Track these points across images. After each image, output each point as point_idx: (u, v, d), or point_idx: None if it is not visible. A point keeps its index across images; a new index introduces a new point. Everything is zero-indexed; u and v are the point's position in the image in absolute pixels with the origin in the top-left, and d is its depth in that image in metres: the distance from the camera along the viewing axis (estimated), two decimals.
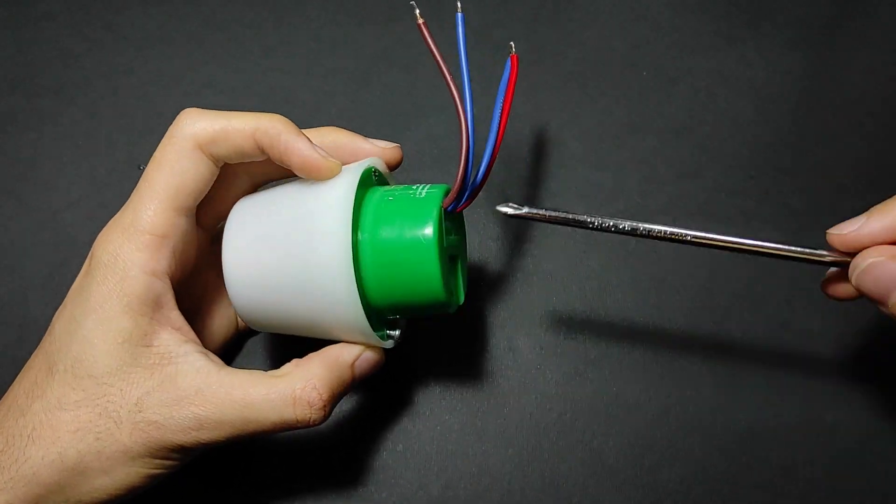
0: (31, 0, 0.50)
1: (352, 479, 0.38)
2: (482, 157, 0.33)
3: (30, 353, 0.33)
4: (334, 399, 0.32)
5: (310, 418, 0.31)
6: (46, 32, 0.49)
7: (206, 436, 0.31)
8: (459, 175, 0.32)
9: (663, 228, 0.32)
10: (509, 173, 0.45)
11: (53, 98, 0.47)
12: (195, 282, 0.36)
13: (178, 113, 0.46)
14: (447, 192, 0.33)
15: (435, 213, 0.32)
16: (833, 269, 0.34)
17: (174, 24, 0.49)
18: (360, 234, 0.32)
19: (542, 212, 0.33)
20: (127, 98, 0.47)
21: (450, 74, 0.33)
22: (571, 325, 0.41)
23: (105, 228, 0.33)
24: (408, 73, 0.48)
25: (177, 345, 0.32)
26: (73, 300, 0.32)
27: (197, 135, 0.32)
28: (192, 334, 0.33)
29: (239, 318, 0.39)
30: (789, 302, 0.42)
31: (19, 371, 0.33)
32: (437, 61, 0.33)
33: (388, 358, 0.40)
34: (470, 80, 0.33)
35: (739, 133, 0.47)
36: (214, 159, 0.33)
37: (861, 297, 0.33)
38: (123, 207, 0.33)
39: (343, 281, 0.30)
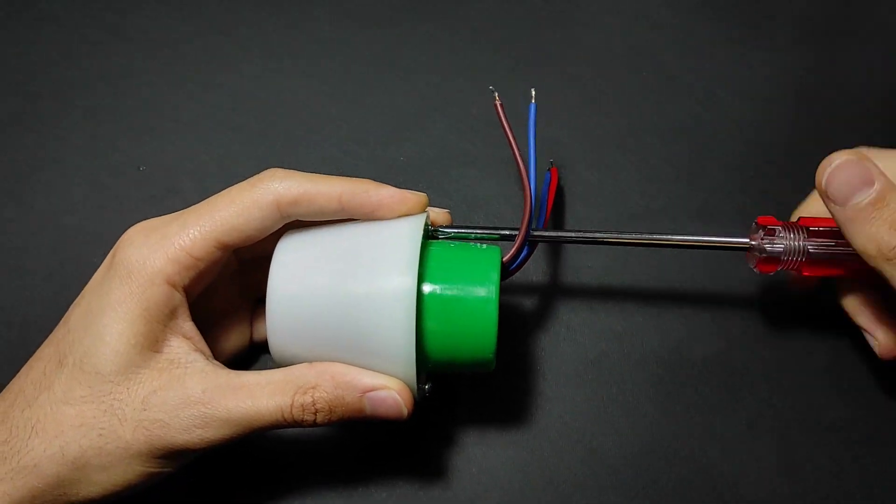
0: (32, 1, 0.50)
1: (352, 479, 0.38)
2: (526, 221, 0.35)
3: (30, 354, 0.33)
4: (331, 413, 0.32)
5: (302, 419, 0.32)
6: (47, 34, 0.49)
7: (210, 434, 0.31)
8: (521, 235, 0.34)
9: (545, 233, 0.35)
10: (508, 174, 0.45)
11: (54, 100, 0.47)
12: (214, 299, 0.37)
13: (178, 114, 0.46)
14: (502, 253, 0.34)
15: (496, 270, 0.32)
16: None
17: (175, 25, 0.49)
18: (420, 287, 0.32)
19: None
20: (127, 100, 0.47)
21: (519, 153, 0.36)
22: (571, 325, 0.41)
23: (143, 227, 0.33)
24: (409, 75, 0.48)
25: (186, 353, 0.32)
26: (92, 293, 0.32)
27: (280, 194, 0.32)
28: (202, 344, 0.33)
29: (252, 333, 0.39)
30: (789, 302, 0.42)
31: (19, 372, 0.33)
32: (509, 139, 0.36)
33: None
34: (536, 162, 0.37)
35: (739, 133, 0.47)
36: (286, 217, 0.33)
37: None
38: (172, 217, 0.33)
39: (403, 342, 0.31)
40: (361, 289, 0.31)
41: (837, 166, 0.31)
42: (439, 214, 0.36)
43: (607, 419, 0.39)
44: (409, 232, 0.32)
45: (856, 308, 0.37)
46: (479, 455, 0.38)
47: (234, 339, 0.38)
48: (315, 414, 0.32)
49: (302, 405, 0.31)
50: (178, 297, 0.32)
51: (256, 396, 0.31)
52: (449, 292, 0.32)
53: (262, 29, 0.49)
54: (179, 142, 0.46)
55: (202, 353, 0.33)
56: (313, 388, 0.31)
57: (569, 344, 0.41)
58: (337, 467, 0.38)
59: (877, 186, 0.30)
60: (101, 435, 0.30)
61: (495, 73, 0.48)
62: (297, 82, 0.47)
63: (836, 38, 0.50)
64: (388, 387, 0.32)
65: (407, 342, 0.31)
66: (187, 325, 0.33)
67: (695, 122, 0.47)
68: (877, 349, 0.36)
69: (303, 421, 0.32)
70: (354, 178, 0.33)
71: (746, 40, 0.50)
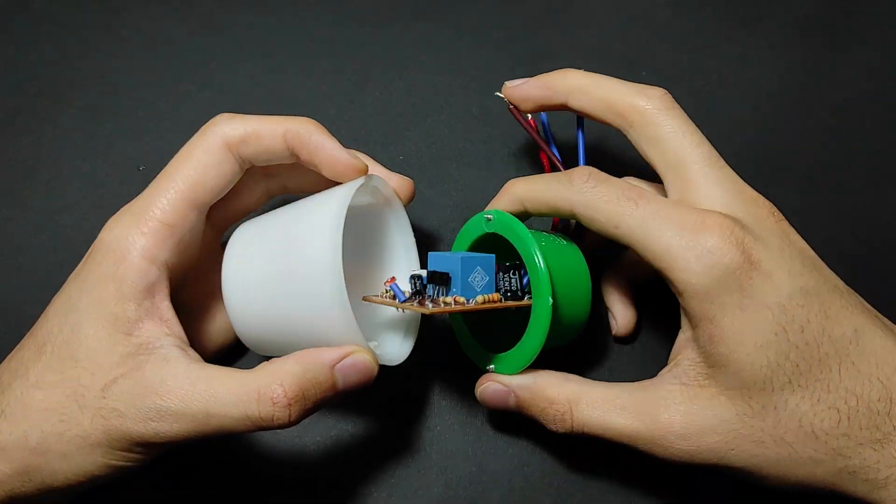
0: (31, 1, 0.50)
1: (352, 480, 0.38)
2: None
3: None
4: (305, 400, 0.30)
5: (272, 416, 0.29)
6: (46, 34, 0.49)
7: (165, 428, 0.29)
8: None
9: None
10: (509, 174, 0.45)
11: (52, 99, 0.47)
12: (200, 282, 0.36)
13: (177, 114, 0.46)
14: None
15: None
16: None
17: (173, 25, 0.49)
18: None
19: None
20: (126, 99, 0.47)
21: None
22: None
23: (116, 214, 0.33)
24: (406, 73, 0.48)
25: (157, 337, 0.31)
26: (71, 281, 0.32)
27: (227, 134, 0.33)
28: (178, 328, 0.32)
29: None
30: None
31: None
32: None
33: None
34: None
35: (739, 133, 0.47)
36: (241, 160, 0.34)
37: None
38: (139, 196, 0.33)
39: (339, 307, 0.30)
40: (293, 264, 0.31)
41: (482, 398, 0.35)
42: (401, 182, 0.37)
43: None
44: (336, 201, 0.31)
45: (606, 290, 0.40)
46: (479, 454, 0.38)
47: (220, 329, 0.37)
48: (289, 406, 0.29)
49: (271, 399, 0.29)
50: (155, 273, 0.32)
51: (215, 390, 0.29)
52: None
53: (261, 28, 0.49)
54: (179, 142, 0.45)
55: (176, 337, 0.32)
56: (280, 377, 0.30)
57: (569, 343, 0.41)
58: (337, 467, 0.38)
59: (511, 398, 0.34)
60: (62, 420, 0.30)
61: (495, 72, 0.48)
62: (295, 81, 0.47)
63: (836, 38, 0.50)
64: (353, 352, 0.31)
65: (342, 306, 0.30)
66: (164, 306, 0.32)
67: (695, 121, 0.47)
68: (614, 329, 0.40)
69: (273, 418, 0.29)
70: (301, 118, 0.34)
71: (746, 40, 0.50)
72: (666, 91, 0.35)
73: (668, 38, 0.50)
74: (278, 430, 0.38)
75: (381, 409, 0.39)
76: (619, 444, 0.32)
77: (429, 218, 0.43)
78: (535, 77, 0.38)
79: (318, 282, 0.30)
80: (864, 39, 0.50)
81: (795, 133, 0.47)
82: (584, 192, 0.32)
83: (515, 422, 0.39)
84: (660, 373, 0.33)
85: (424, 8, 0.50)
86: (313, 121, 0.34)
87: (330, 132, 0.34)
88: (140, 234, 0.31)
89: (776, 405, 0.30)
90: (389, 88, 0.47)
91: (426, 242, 0.43)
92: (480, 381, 0.35)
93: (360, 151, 0.45)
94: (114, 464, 0.30)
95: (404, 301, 0.33)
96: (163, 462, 0.33)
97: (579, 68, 0.49)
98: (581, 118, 0.41)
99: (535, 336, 0.33)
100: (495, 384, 0.34)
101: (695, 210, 0.31)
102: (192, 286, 0.36)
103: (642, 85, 0.35)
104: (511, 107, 0.39)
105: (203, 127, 0.34)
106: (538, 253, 0.32)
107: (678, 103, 0.40)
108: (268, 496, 0.37)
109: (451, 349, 0.41)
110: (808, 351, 0.30)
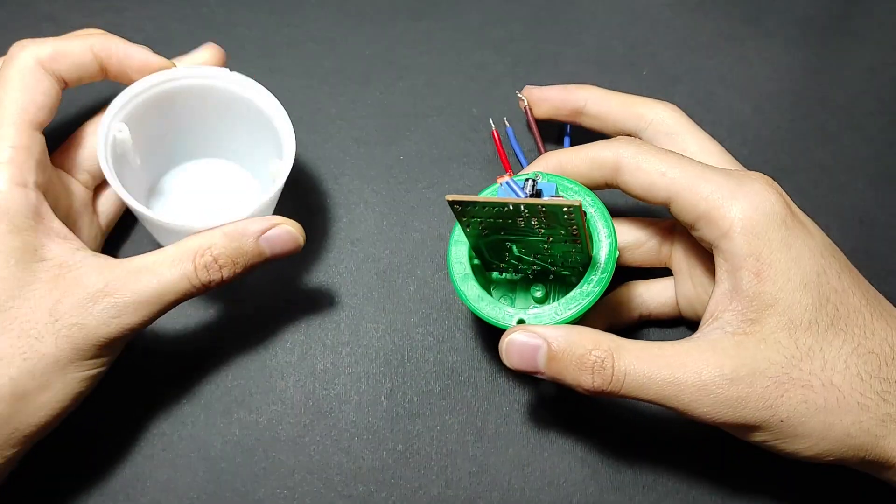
0: (32, 1, 0.50)
1: (351, 480, 0.38)
2: None
3: None
4: (235, 265, 0.33)
5: (209, 279, 0.33)
6: (47, 34, 0.49)
7: (129, 320, 0.31)
8: None
9: None
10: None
11: None
12: (58, 202, 0.36)
13: None
14: None
15: None
16: None
17: (174, 25, 0.49)
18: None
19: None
20: None
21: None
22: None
23: None
24: (408, 74, 0.48)
25: (69, 253, 0.32)
26: None
27: (37, 52, 0.34)
28: (79, 242, 0.33)
29: (100, 219, 0.39)
30: None
31: None
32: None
33: (387, 358, 0.40)
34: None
35: (739, 133, 0.47)
36: (57, 78, 0.34)
37: None
38: None
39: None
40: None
41: (506, 354, 0.32)
42: (211, 51, 0.40)
43: (607, 418, 0.39)
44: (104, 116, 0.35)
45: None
46: (479, 454, 0.38)
47: (90, 237, 0.38)
48: (220, 270, 0.33)
49: (205, 266, 0.32)
50: (34, 195, 0.32)
51: (159, 272, 0.32)
52: None
53: (261, 28, 0.49)
54: None
55: (84, 250, 0.33)
56: (209, 247, 0.32)
57: None
58: (337, 467, 0.38)
59: (542, 351, 0.31)
60: (25, 359, 0.30)
61: (495, 72, 0.48)
62: (295, 81, 0.47)
63: (836, 38, 0.50)
64: (278, 223, 0.34)
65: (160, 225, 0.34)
66: (56, 225, 0.33)
67: (695, 122, 0.47)
68: None
69: (210, 282, 0.33)
70: (98, 31, 0.36)
71: (746, 39, 0.50)
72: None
73: (668, 38, 0.50)
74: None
75: (381, 409, 0.39)
76: (653, 411, 0.32)
77: (429, 218, 0.43)
78: (558, 86, 0.42)
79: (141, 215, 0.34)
80: (864, 39, 0.50)
81: (795, 133, 0.47)
82: (634, 145, 0.34)
83: (516, 422, 0.39)
84: (698, 329, 0.33)
85: (424, 8, 0.50)
86: (111, 34, 0.36)
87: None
88: (2, 166, 0.32)
89: (822, 346, 0.31)
90: (389, 88, 0.47)
91: (426, 243, 0.43)
92: (507, 333, 0.32)
93: (360, 152, 0.45)
94: (90, 373, 0.32)
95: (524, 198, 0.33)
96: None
97: (579, 69, 0.49)
98: (566, 128, 0.43)
99: (593, 281, 0.33)
100: (525, 334, 0.31)
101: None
102: (56, 207, 0.35)
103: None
104: (525, 107, 0.43)
105: (7, 56, 0.34)
106: (600, 202, 0.34)
107: (678, 103, 0.41)
108: (264, 495, 0.37)
109: (451, 349, 0.41)
110: (845, 297, 0.31)
